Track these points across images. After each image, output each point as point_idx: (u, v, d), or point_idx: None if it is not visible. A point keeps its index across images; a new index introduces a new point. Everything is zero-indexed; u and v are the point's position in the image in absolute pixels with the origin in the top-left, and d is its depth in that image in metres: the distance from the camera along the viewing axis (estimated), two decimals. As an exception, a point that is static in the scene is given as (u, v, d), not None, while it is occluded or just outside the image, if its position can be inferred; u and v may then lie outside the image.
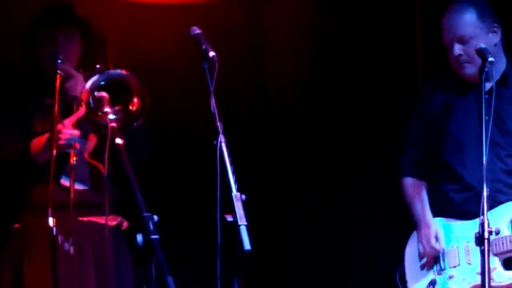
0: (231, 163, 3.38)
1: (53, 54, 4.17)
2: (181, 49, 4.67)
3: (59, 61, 4.14)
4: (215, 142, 3.46)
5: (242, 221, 3.27)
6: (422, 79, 5.31)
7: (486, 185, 3.81)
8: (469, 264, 4.15)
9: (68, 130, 4.01)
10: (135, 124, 3.97)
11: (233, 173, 3.36)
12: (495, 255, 4.05)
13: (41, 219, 4.07)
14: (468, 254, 4.16)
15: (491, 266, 3.91)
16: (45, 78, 4.21)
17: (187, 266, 5.08)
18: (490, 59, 3.90)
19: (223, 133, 3.46)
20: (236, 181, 3.34)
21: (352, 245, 5.36)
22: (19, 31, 4.39)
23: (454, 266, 4.19)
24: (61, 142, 3.99)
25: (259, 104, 5.74)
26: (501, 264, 4.08)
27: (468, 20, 4.15)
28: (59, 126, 4.00)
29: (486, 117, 3.96)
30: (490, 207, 3.94)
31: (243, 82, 5.59)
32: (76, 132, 4.03)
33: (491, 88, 4.06)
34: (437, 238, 4.25)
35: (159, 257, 3.28)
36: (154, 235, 3.33)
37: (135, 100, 3.98)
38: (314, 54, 5.65)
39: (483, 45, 3.96)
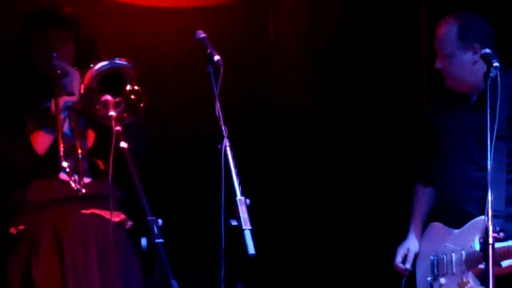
0: (236, 167, 3.38)
1: (47, 52, 4.17)
2: (186, 54, 4.69)
3: (54, 58, 4.16)
4: (219, 146, 3.46)
5: (246, 225, 3.27)
6: (427, 84, 5.32)
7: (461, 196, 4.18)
8: (453, 274, 4.25)
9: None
10: (139, 111, 3.99)
11: (238, 177, 3.36)
12: (469, 269, 4.17)
13: (44, 215, 4.09)
14: (452, 264, 4.25)
15: (465, 280, 4.14)
16: (39, 79, 4.23)
17: (191, 270, 5.07)
18: (495, 64, 3.90)
19: (227, 137, 3.45)
20: (240, 185, 3.35)
21: (358, 249, 5.37)
22: (11, 34, 4.39)
23: (444, 274, 4.29)
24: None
25: (263, 108, 5.74)
26: (476, 279, 4.17)
27: (448, 38, 4.26)
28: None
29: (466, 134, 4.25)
30: (462, 218, 4.20)
31: (247, 86, 5.59)
32: (74, 97, 4.07)
33: (475, 100, 4.28)
34: (405, 258, 4.41)
35: (163, 261, 3.28)
36: (158, 238, 3.33)
37: (135, 89, 4.00)
38: (318, 58, 5.65)
39: (488, 50, 3.97)
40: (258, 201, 3.40)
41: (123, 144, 3.66)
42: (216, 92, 3.51)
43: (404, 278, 4.44)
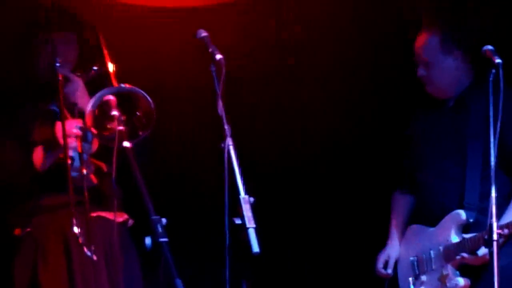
0: (239, 166, 3.38)
1: (51, 58, 4.12)
2: (190, 53, 4.67)
3: (58, 64, 4.11)
4: (222, 145, 3.45)
5: (250, 224, 3.27)
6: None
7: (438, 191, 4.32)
8: (433, 270, 4.35)
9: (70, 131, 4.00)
10: (138, 137, 3.93)
11: (241, 175, 3.36)
12: (447, 262, 4.27)
13: (51, 218, 4.09)
14: (431, 261, 4.36)
15: (445, 273, 4.26)
16: (39, 83, 4.20)
17: (196, 269, 5.08)
18: (497, 61, 3.91)
19: (230, 136, 3.45)
20: (244, 184, 3.34)
21: (361, 248, 5.36)
22: (10, 35, 4.35)
23: (424, 272, 4.40)
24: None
25: (267, 106, 5.72)
26: (455, 271, 4.26)
27: (431, 46, 4.41)
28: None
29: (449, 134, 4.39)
30: (440, 214, 4.33)
31: (250, 85, 5.58)
32: (77, 132, 4.01)
33: (453, 104, 4.45)
34: (386, 263, 4.54)
35: (167, 260, 3.27)
36: (162, 238, 3.33)
37: (140, 114, 3.95)
38: (322, 57, 5.64)
39: (490, 47, 3.98)
40: (262, 200, 3.40)
41: (126, 144, 3.66)
42: (219, 91, 3.51)
43: (387, 282, 4.55)
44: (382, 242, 4.64)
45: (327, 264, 5.57)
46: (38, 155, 4.10)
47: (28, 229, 4.16)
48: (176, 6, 5.39)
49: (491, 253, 3.66)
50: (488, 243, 3.66)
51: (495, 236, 3.66)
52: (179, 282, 3.22)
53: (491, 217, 3.70)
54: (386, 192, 4.81)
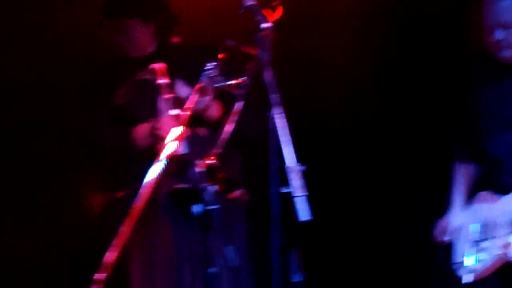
0: (288, 134, 3.38)
1: (126, 41, 4.23)
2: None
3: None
4: (269, 114, 3.45)
5: (299, 192, 3.27)
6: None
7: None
8: (496, 237, 4.27)
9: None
10: None
11: (291, 144, 3.36)
12: None
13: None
14: (497, 228, 4.27)
15: (509, 241, 4.17)
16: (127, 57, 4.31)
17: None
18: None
19: (279, 104, 3.44)
20: (294, 153, 3.34)
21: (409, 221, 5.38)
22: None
23: (486, 239, 4.31)
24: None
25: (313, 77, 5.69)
26: None
27: None
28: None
29: None
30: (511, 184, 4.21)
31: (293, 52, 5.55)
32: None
33: None
34: (444, 230, 4.45)
35: (217, 228, 3.29)
36: (211, 205, 3.35)
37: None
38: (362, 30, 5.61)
39: None
40: (312, 168, 3.40)
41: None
42: (267, 59, 3.50)
43: (438, 249, 4.49)
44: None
45: (377, 232, 5.57)
46: (139, 134, 4.19)
47: (124, 192, 4.22)
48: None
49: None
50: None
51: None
52: (230, 249, 3.25)
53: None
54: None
